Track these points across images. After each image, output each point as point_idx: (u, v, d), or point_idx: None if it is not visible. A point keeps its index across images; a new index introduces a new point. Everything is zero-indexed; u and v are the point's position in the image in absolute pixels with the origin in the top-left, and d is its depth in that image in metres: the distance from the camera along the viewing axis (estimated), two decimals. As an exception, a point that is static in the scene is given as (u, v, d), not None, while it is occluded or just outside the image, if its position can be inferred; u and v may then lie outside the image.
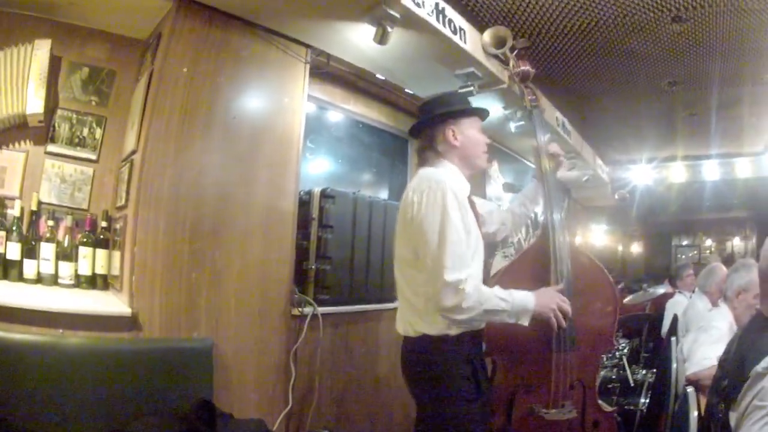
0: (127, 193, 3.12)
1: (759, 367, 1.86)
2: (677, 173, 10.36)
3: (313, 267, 3.73)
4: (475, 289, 2.37)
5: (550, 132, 3.23)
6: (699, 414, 2.85)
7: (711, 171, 10.18)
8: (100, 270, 3.25)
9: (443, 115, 2.73)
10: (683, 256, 13.83)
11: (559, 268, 2.81)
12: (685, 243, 15.16)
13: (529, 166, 7.27)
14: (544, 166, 3.05)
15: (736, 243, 14.27)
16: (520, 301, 2.50)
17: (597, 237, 12.66)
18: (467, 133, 2.73)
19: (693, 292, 5.33)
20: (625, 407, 4.55)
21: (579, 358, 2.87)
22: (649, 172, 10.23)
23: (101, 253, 3.24)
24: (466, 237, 2.45)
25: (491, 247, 5.60)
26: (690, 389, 3.41)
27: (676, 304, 5.82)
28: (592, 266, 3.07)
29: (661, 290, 6.40)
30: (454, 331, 2.50)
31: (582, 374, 2.92)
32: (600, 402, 3.07)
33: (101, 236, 3.27)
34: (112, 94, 3.52)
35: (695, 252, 14.76)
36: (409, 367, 2.66)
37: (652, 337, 6.15)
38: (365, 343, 4.08)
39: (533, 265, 2.87)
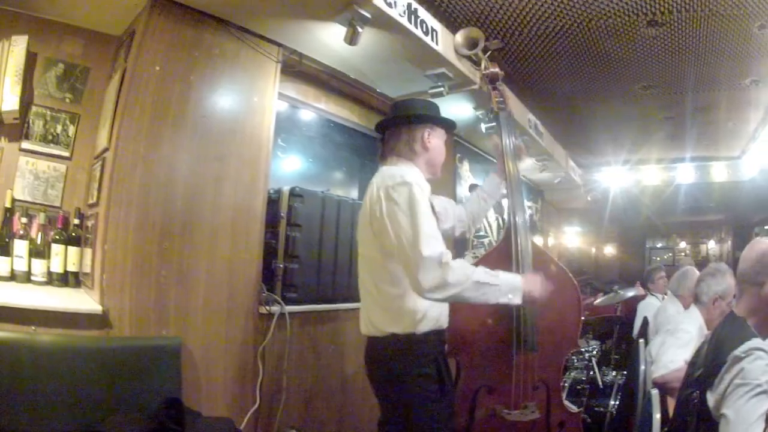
0: (99, 190, 3.16)
1: (737, 351, 2.11)
2: (652, 176, 10.49)
3: (281, 266, 3.75)
4: (458, 262, 2.40)
5: (516, 134, 3.30)
6: (666, 416, 2.96)
7: (686, 174, 10.32)
8: (72, 267, 3.28)
9: (426, 118, 2.84)
10: (657, 259, 14.03)
11: (522, 270, 2.86)
12: (659, 245, 15.38)
13: (495, 165, 7.43)
14: (508, 168, 3.13)
15: (711, 246, 14.51)
16: (507, 279, 2.54)
17: (570, 239, 12.80)
18: (437, 141, 2.84)
19: (665, 294, 5.44)
20: (595, 409, 4.64)
21: (542, 359, 2.94)
22: (623, 174, 10.36)
23: (73, 250, 3.28)
24: (436, 224, 2.51)
25: (459, 246, 5.70)
26: (654, 391, 3.50)
27: (648, 307, 5.90)
28: (555, 268, 3.12)
29: (631, 293, 6.48)
30: (420, 330, 2.54)
31: (545, 375, 2.99)
32: (566, 403, 3.15)
33: (73, 234, 3.30)
34: (85, 91, 3.56)
35: (669, 254, 14.97)
36: (373, 367, 2.71)
37: (623, 340, 6.24)
38: (333, 343, 4.12)
39: (496, 267, 2.84)
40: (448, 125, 2.96)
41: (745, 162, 9.91)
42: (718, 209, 12.48)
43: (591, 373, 4.95)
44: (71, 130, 3.50)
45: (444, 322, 2.72)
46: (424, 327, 2.57)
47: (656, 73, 6.18)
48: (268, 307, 3.60)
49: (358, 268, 2.77)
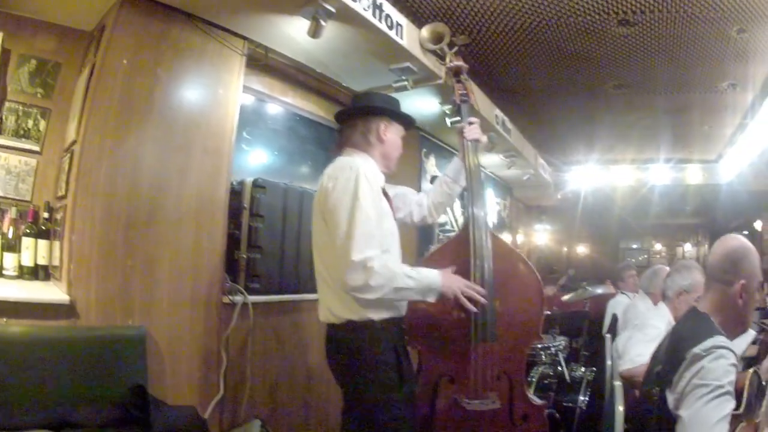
0: (67, 183, 3.25)
1: (697, 349, 2.08)
2: (625, 176, 10.61)
3: (244, 256, 3.82)
4: (382, 266, 2.51)
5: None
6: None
7: (661, 176, 10.41)
8: (42, 261, 3.37)
9: (384, 110, 2.98)
10: (633, 260, 14.22)
11: (479, 262, 2.94)
12: (634, 246, 15.57)
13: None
14: (468, 162, 3.21)
15: (688, 249, 14.71)
16: (427, 279, 2.65)
17: (540, 237, 12.94)
18: (393, 136, 2.99)
19: (636, 293, 5.54)
20: (564, 404, 4.71)
21: (502, 350, 2.99)
22: (595, 173, 10.48)
23: (43, 243, 3.37)
24: (377, 220, 2.61)
25: (425, 237, 5.82)
26: (617, 384, 3.62)
27: (618, 305, 6.03)
28: (516, 261, 3.22)
29: (600, 290, 6.55)
30: (377, 317, 2.65)
31: (507, 367, 3.04)
32: (529, 395, 3.20)
33: (43, 227, 3.39)
34: (56, 86, 3.66)
35: (645, 256, 15.15)
36: (333, 355, 2.82)
37: (593, 337, 6.31)
38: (296, 333, 4.20)
39: (454, 257, 3.01)
40: (407, 121, 3.09)
41: (723, 166, 10.04)
42: (696, 212, 12.66)
43: (559, 368, 5.04)
44: (42, 124, 3.60)
45: (403, 309, 2.83)
46: (380, 314, 2.67)
47: (628, 73, 6.26)
48: (231, 297, 3.68)
49: (313, 257, 2.86)
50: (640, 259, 14.88)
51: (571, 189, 10.87)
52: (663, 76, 6.38)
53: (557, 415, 4.56)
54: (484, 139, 3.35)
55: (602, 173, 10.71)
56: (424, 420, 3.00)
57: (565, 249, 14.88)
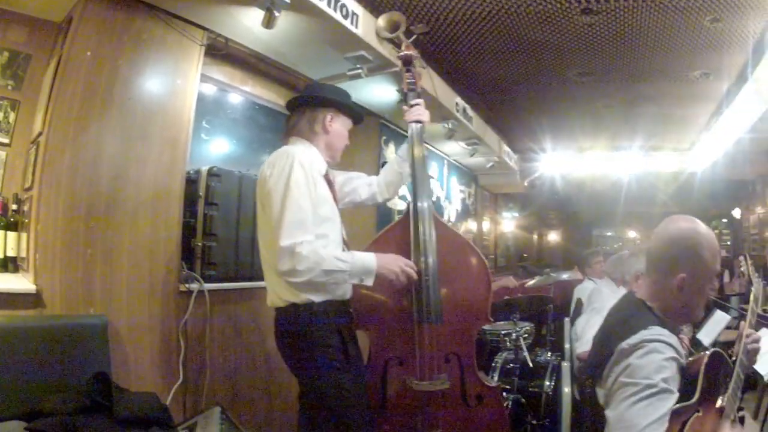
0: (33, 174, 3.36)
1: (624, 344, 2.00)
2: (596, 164, 10.77)
3: (199, 244, 3.93)
4: (311, 251, 2.68)
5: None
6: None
7: (633, 164, 10.56)
8: (11, 252, 3.48)
9: (331, 101, 3.15)
10: (608, 247, 14.41)
11: (423, 248, 3.09)
12: (608, 234, 15.82)
13: (426, 149, 7.70)
14: (411, 151, 3.37)
15: (663, 236, 14.98)
16: (361, 262, 2.83)
17: (508, 224, 13.10)
18: (339, 127, 3.16)
19: (602, 279, 5.67)
20: (530, 390, 4.85)
21: (449, 332, 3.15)
22: (565, 161, 10.64)
23: (11, 235, 3.48)
24: (311, 207, 2.77)
25: (389, 220, 5.95)
26: (565, 364, 3.81)
27: (584, 290, 6.03)
28: (460, 245, 3.37)
29: (564, 275, 6.75)
30: (318, 299, 2.82)
31: (456, 348, 3.21)
32: (481, 376, 3.35)
33: (11, 219, 3.50)
34: (26, 77, 3.78)
35: (619, 243, 15.37)
36: (280, 338, 2.98)
37: (560, 322, 6.43)
38: (254, 320, 4.31)
39: (398, 241, 3.18)
40: (354, 114, 3.27)
41: (697, 155, 10.20)
42: (671, 201, 12.90)
43: (522, 353, 5.14)
44: (12, 116, 3.70)
45: (346, 293, 3.00)
46: (320, 296, 2.84)
47: (592, 62, 6.36)
48: (188, 285, 3.80)
49: (258, 242, 3.03)
50: (615, 246, 14.95)
51: (539, 177, 11.00)
52: (629, 65, 6.47)
53: (523, 400, 4.72)
54: (426, 117, 3.47)
55: (572, 161, 10.87)
56: (377, 402, 3.16)
57: (536, 237, 15.05)
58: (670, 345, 1.98)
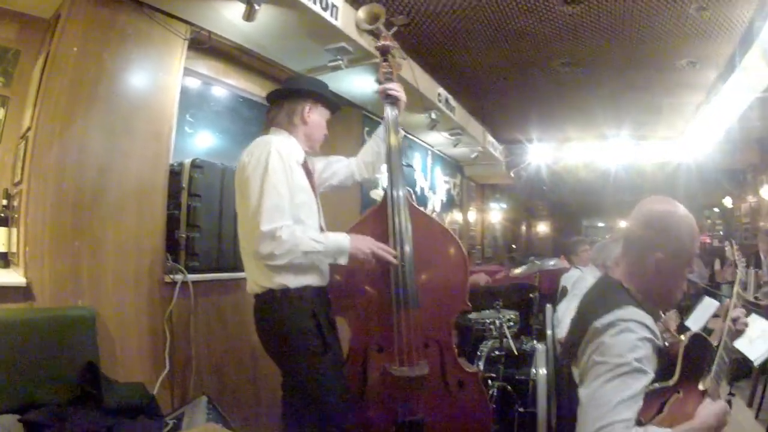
0: (23, 169, 3.44)
1: (597, 323, 1.98)
2: (584, 154, 10.86)
3: (183, 235, 4.00)
4: (289, 234, 2.79)
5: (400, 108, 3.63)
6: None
7: (622, 153, 10.65)
8: (2, 248, 3.55)
9: (309, 93, 3.25)
10: (599, 238, 14.49)
11: (398, 235, 3.18)
12: (598, 224, 15.87)
13: (409, 140, 7.82)
14: (388, 141, 3.44)
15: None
16: (335, 242, 2.95)
17: (496, 215, 13.21)
18: (317, 118, 3.27)
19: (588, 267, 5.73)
20: (517, 377, 4.83)
21: (427, 317, 3.22)
22: (552, 151, 10.72)
23: (2, 231, 3.55)
24: (288, 193, 2.88)
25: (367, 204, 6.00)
26: (540, 346, 3.87)
27: (570, 278, 6.11)
28: (436, 232, 3.47)
29: (550, 262, 6.75)
30: (293, 284, 2.92)
31: (435, 333, 3.29)
32: (461, 362, 3.43)
33: (2, 215, 3.57)
34: (16, 74, 3.84)
35: (609, 234, 15.44)
36: (258, 324, 3.07)
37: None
38: (238, 311, 4.36)
39: (374, 229, 3.24)
40: (331, 105, 3.36)
41: (686, 144, 10.29)
42: (662, 190, 12.93)
43: (506, 341, 5.12)
44: (1, 113, 3.78)
45: (322, 278, 3.09)
46: (296, 281, 2.94)
47: (576, 51, 6.45)
48: (172, 276, 3.89)
49: (238, 231, 3.13)
50: (607, 237, 14.96)
51: (525, 167, 11.11)
52: (614, 54, 6.55)
53: (509, 388, 4.80)
54: (403, 97, 3.55)
55: (560, 151, 10.96)
56: (358, 389, 3.24)
57: (524, 227, 15.13)
58: (645, 325, 1.97)
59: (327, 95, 3.34)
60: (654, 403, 1.90)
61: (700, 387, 2.07)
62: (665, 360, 2.01)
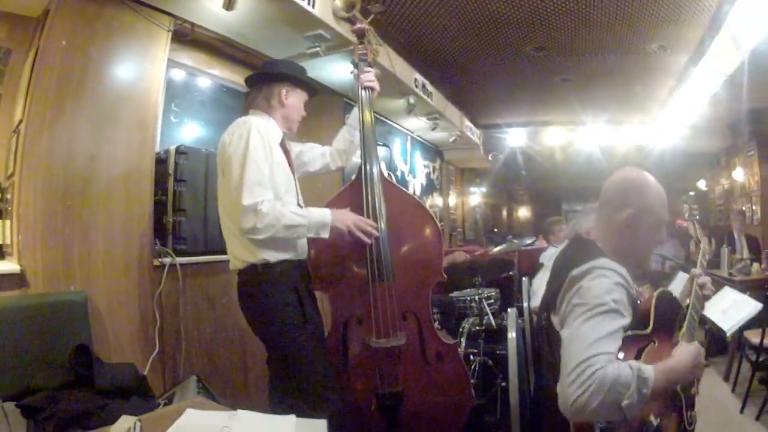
0: (15, 161, 3.52)
1: (575, 272, 2.08)
2: (560, 138, 10.97)
3: (170, 220, 4.07)
4: (271, 208, 2.87)
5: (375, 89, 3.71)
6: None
7: (598, 138, 10.79)
8: None
9: (285, 76, 3.35)
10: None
11: (372, 211, 3.25)
12: (578, 208, 15.98)
13: (389, 125, 7.93)
14: (361, 118, 3.49)
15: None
16: (316, 216, 3.01)
17: (475, 199, 13.33)
18: (295, 100, 3.36)
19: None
20: (498, 352, 4.95)
21: (404, 289, 3.27)
22: (529, 135, 10.83)
23: None
24: (268, 170, 2.98)
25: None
26: (511, 310, 3.97)
27: (546, 256, 6.39)
28: (410, 205, 3.49)
29: (528, 241, 6.98)
30: (273, 258, 3.02)
31: (412, 305, 3.35)
32: (440, 334, 3.48)
33: None
34: (7, 71, 3.92)
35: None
36: (241, 299, 3.17)
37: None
38: (226, 293, 4.44)
39: (350, 202, 3.29)
40: (309, 88, 3.46)
41: (660, 128, 10.40)
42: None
43: (486, 317, 5.33)
44: None
45: (301, 252, 3.19)
46: (276, 255, 3.04)
47: (548, 35, 6.54)
48: (160, 260, 3.98)
49: (219, 209, 3.23)
50: (578, 209, 15.10)
51: (502, 151, 11.23)
52: (585, 39, 6.65)
53: (490, 362, 4.90)
54: (377, 86, 3.61)
55: (537, 135, 11.04)
56: (339, 362, 3.32)
57: (505, 211, 15.23)
58: (620, 274, 2.07)
59: (304, 78, 3.42)
60: (631, 349, 2.03)
61: (674, 340, 2.21)
62: (639, 313, 2.11)
